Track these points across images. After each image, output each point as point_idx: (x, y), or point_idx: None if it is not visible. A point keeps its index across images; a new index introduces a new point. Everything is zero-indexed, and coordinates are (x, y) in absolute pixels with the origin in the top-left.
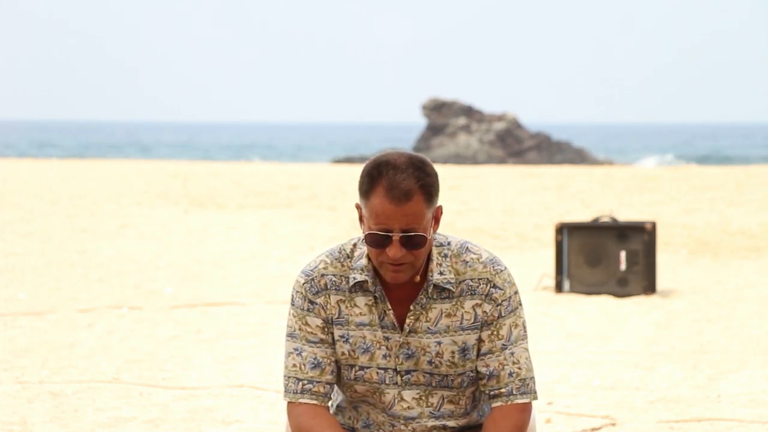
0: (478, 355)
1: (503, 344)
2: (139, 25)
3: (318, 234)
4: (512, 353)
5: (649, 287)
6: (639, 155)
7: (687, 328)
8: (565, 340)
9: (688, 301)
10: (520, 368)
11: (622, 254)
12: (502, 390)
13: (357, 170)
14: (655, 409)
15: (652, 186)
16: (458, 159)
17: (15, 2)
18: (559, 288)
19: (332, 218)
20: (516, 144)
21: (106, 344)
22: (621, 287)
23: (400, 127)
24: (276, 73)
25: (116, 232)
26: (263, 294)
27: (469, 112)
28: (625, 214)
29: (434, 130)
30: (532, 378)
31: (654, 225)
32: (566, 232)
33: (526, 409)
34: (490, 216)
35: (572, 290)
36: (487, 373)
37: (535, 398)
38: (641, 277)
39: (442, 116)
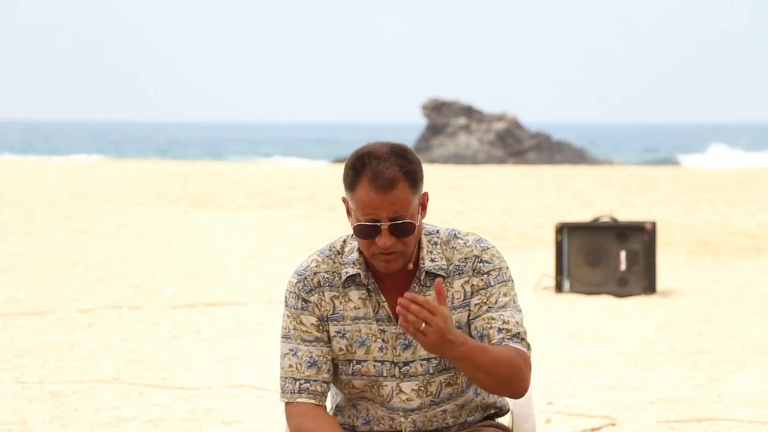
0: (469, 327)
1: (490, 307)
2: (139, 25)
3: (318, 234)
4: (501, 315)
5: (649, 287)
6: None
7: (687, 328)
8: (565, 340)
9: (688, 301)
10: (510, 326)
11: (622, 254)
12: (494, 341)
13: None
14: (655, 409)
15: (652, 186)
16: (458, 159)
17: (15, 2)
18: (559, 288)
19: (332, 218)
20: (516, 144)
21: (106, 344)
22: (621, 287)
23: (400, 127)
24: (276, 73)
25: (116, 232)
26: (263, 294)
27: (469, 112)
28: (625, 214)
29: (434, 130)
30: (525, 333)
31: (654, 225)
32: (566, 232)
33: (523, 352)
34: (490, 216)
35: (572, 290)
36: (477, 335)
37: (530, 350)
38: (641, 277)
39: (442, 116)
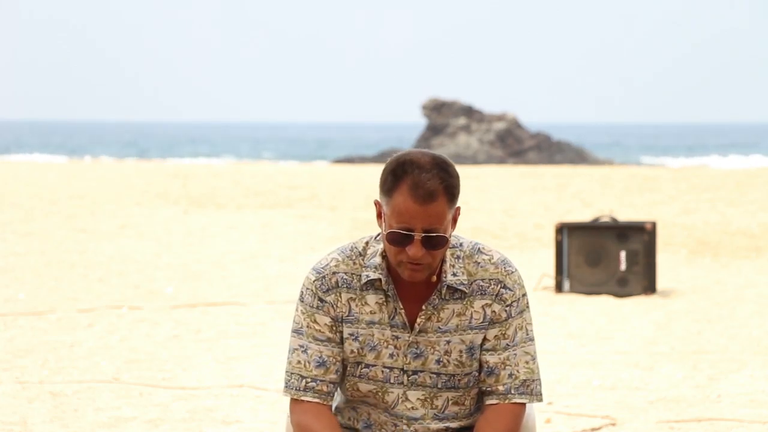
0: (481, 352)
1: (507, 344)
2: (139, 26)
3: (318, 234)
4: (515, 354)
5: (649, 287)
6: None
7: (687, 328)
8: (565, 340)
9: (688, 301)
10: (519, 371)
11: (622, 254)
12: (499, 388)
13: (357, 170)
14: (655, 409)
15: (652, 186)
16: (458, 159)
17: (15, 2)
18: (559, 288)
19: (332, 218)
20: (516, 144)
21: (106, 344)
22: (621, 287)
23: (400, 127)
24: (276, 73)
25: (116, 232)
26: (263, 294)
27: (469, 112)
28: (625, 214)
29: (434, 130)
30: (534, 380)
31: (654, 225)
32: (566, 232)
33: (521, 411)
34: (490, 216)
35: (572, 290)
36: (487, 369)
37: (539, 400)
38: (641, 277)
39: (442, 116)
